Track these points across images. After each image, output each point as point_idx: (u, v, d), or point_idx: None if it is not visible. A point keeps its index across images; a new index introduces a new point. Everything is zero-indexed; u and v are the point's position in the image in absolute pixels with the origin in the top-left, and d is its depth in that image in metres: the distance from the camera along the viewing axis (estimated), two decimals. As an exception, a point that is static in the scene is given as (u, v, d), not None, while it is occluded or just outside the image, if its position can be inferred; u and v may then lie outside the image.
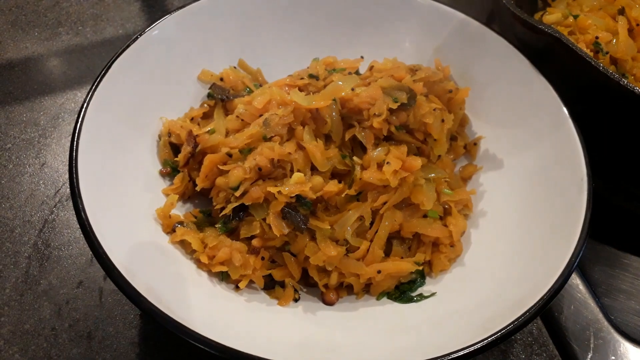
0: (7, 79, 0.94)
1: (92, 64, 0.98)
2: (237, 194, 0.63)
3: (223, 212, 0.65)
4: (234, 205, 0.64)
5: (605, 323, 0.71)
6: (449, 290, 0.65)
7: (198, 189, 0.68)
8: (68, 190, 0.75)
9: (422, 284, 0.67)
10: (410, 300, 0.65)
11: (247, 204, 0.63)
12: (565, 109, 0.70)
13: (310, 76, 0.74)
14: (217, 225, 0.66)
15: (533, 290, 0.56)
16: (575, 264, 0.57)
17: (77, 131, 0.62)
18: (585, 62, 0.70)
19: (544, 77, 0.73)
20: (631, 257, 0.78)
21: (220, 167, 0.65)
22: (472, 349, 0.51)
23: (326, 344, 0.59)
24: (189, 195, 0.72)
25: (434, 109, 0.69)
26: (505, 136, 0.77)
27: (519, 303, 0.55)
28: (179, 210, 0.70)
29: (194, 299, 0.59)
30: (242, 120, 0.70)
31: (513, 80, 0.77)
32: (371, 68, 0.76)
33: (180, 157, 0.70)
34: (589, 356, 0.68)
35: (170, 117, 0.75)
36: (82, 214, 0.55)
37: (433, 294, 0.65)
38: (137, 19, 1.06)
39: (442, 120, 0.70)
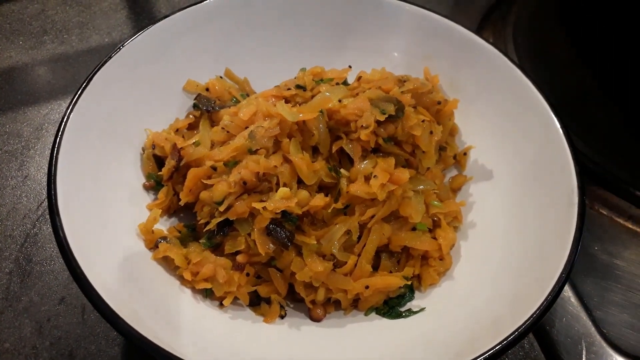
0: (-10, 89, 0.92)
1: (78, 73, 0.96)
2: (222, 208, 0.61)
3: (207, 227, 0.63)
4: (218, 220, 0.62)
5: (598, 337, 0.70)
6: (438, 306, 0.64)
7: (182, 203, 0.66)
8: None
9: (411, 298, 0.66)
10: (399, 315, 0.64)
11: (231, 218, 0.62)
12: (555, 119, 0.69)
13: (298, 87, 0.73)
14: (201, 241, 0.64)
15: (523, 307, 0.55)
16: (566, 279, 0.56)
17: (56, 144, 0.61)
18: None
19: (534, 85, 0.72)
20: (623, 269, 0.77)
21: (205, 182, 0.64)
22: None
23: (313, 363, 0.57)
24: (174, 209, 0.70)
25: (422, 121, 0.68)
26: (495, 146, 0.76)
27: (509, 320, 0.54)
28: (164, 225, 0.69)
29: (177, 318, 0.57)
30: (228, 132, 0.68)
31: (503, 89, 0.76)
32: (359, 79, 0.75)
33: (164, 171, 0.68)
34: (581, 370, 0.67)
35: (154, 128, 0.73)
36: (60, 231, 0.54)
37: (422, 309, 0.64)
38: (123, 27, 1.05)
39: (431, 132, 0.69)
